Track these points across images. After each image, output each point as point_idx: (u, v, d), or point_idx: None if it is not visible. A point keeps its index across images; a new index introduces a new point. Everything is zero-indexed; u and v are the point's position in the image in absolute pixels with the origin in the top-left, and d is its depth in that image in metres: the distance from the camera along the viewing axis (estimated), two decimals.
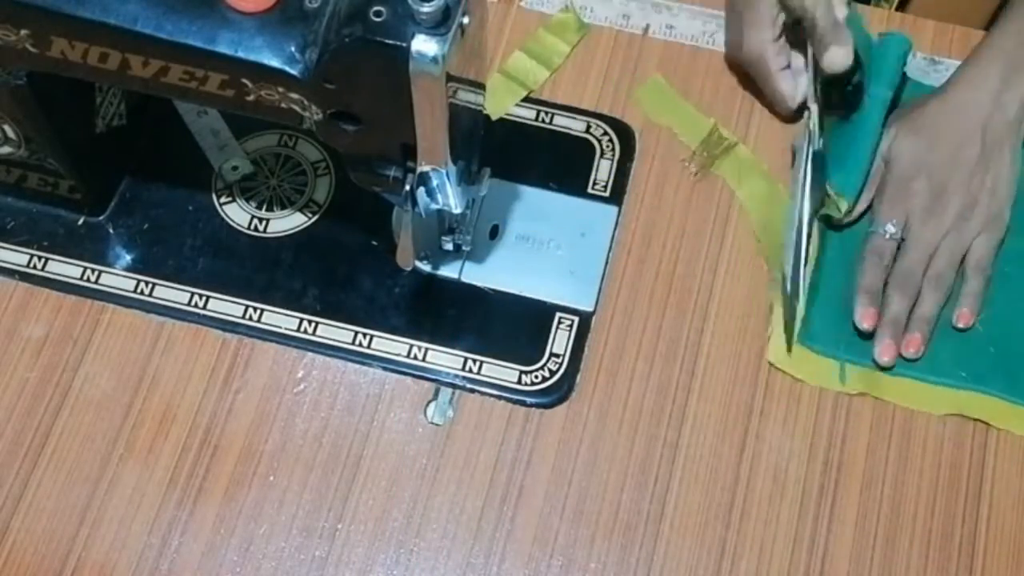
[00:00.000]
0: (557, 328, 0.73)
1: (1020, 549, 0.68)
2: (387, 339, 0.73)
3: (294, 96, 0.58)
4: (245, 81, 0.58)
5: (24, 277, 0.74)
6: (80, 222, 0.76)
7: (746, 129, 0.79)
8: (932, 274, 0.73)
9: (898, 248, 0.74)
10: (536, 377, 0.72)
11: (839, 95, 0.76)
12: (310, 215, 0.76)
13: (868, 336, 0.72)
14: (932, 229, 0.73)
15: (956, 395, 0.71)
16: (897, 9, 0.89)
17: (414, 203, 0.63)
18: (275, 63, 0.56)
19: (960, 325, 0.73)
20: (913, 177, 0.74)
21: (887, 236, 0.74)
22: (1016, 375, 0.72)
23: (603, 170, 0.78)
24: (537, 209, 0.76)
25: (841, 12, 0.72)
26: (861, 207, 0.76)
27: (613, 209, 0.77)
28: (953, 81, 0.76)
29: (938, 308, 0.73)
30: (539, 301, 0.74)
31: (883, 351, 0.72)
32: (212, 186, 0.77)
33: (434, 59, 0.52)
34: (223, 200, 0.76)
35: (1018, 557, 0.68)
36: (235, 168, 0.76)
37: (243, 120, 0.78)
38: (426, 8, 0.51)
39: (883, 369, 0.72)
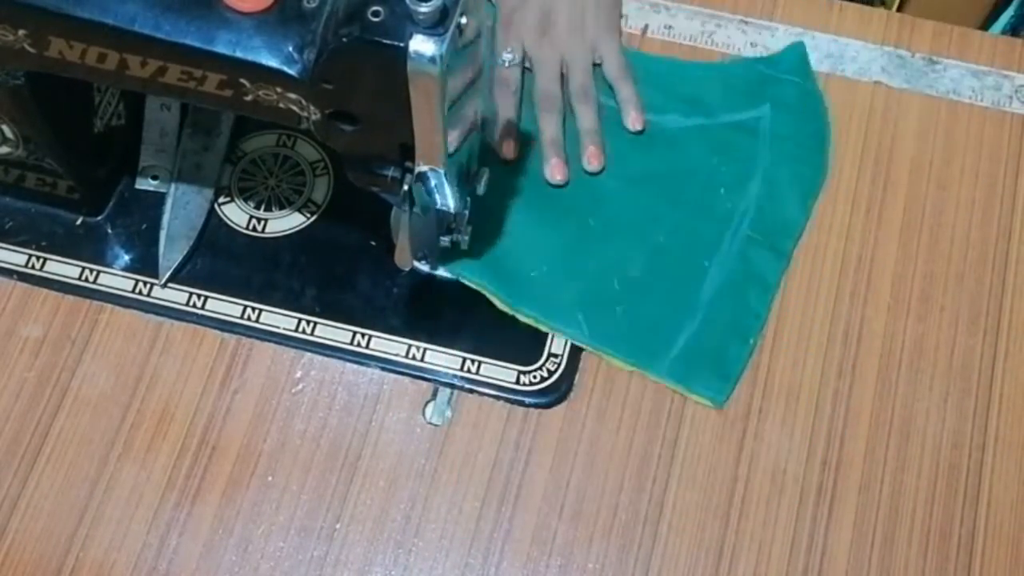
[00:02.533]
0: None
1: (1018, 549, 0.68)
2: (385, 339, 0.73)
3: (292, 96, 0.58)
4: (243, 81, 0.58)
5: (22, 277, 0.74)
6: (78, 222, 0.76)
7: None
8: (575, 88, 0.76)
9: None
10: (534, 377, 0.72)
11: None
12: (308, 215, 0.76)
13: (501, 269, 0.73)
14: (549, 46, 0.76)
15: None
16: (897, 9, 0.89)
17: (412, 203, 0.63)
18: (273, 63, 0.56)
19: (638, 127, 0.76)
20: (519, 7, 0.77)
21: (506, 64, 0.76)
22: (637, 342, 0.72)
23: None
24: None
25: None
26: None
27: None
28: None
29: (596, 116, 0.76)
30: None
31: (552, 171, 0.75)
32: (211, 186, 0.77)
33: (432, 59, 0.52)
34: (221, 200, 0.76)
35: (1016, 557, 0.68)
36: (155, 177, 0.76)
37: (242, 120, 0.78)
38: (424, 8, 0.51)
39: (521, 303, 0.72)
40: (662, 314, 0.72)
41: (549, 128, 0.76)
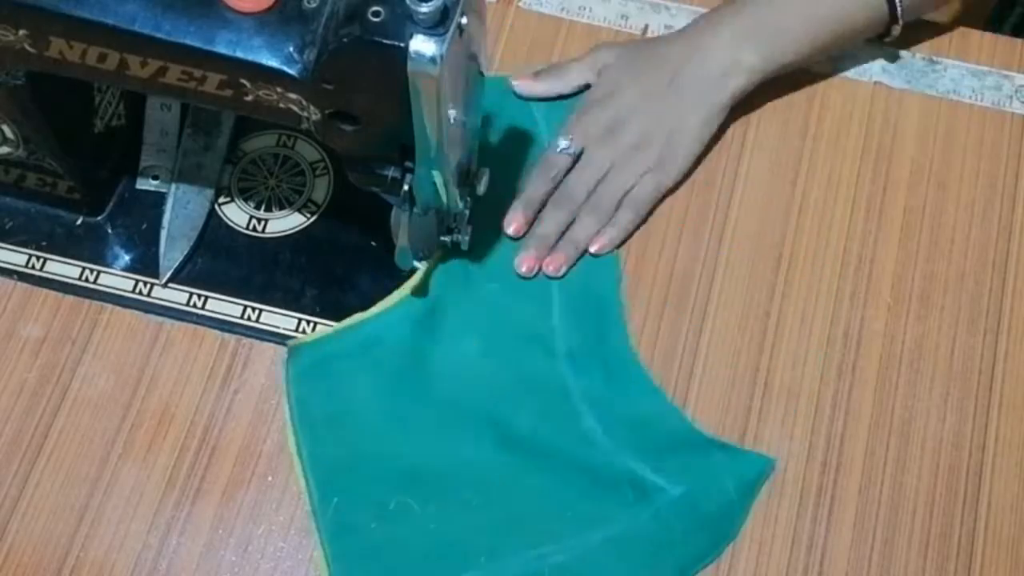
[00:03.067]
0: None
1: (1018, 550, 0.68)
2: None
3: (292, 96, 0.58)
4: (243, 81, 0.58)
5: (23, 277, 0.74)
6: (79, 222, 0.76)
7: (745, 128, 0.79)
8: (593, 200, 0.74)
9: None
10: None
11: None
12: (308, 215, 0.76)
13: None
14: (602, 155, 0.74)
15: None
16: None
17: (412, 203, 0.63)
18: (273, 63, 0.56)
19: (592, 249, 0.73)
20: (602, 102, 0.76)
21: (558, 150, 0.74)
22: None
23: None
24: None
25: None
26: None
27: None
28: (680, 30, 0.77)
29: (588, 236, 0.74)
30: None
31: (523, 262, 0.73)
32: (211, 185, 0.77)
33: (432, 59, 0.52)
34: (222, 200, 0.76)
35: (1016, 558, 0.68)
36: (155, 177, 0.76)
37: (242, 120, 0.77)
38: (424, 8, 0.51)
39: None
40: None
41: (549, 225, 0.74)
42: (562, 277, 0.73)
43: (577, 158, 0.75)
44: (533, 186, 0.74)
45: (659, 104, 0.74)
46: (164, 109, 0.77)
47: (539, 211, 0.74)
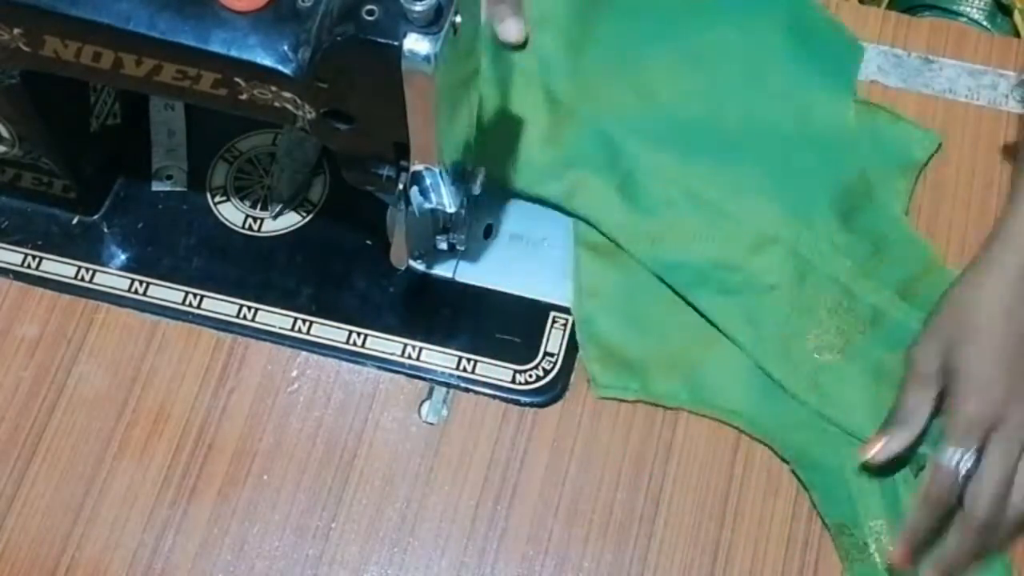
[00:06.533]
0: (551, 327, 0.73)
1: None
2: (381, 338, 0.73)
3: (287, 95, 0.58)
4: (238, 80, 0.58)
5: (18, 276, 0.74)
6: (74, 221, 0.76)
7: None
8: (1000, 516, 0.63)
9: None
10: (530, 376, 0.72)
11: None
12: (304, 214, 0.76)
13: None
14: (999, 456, 0.63)
15: None
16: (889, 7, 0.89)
17: (408, 202, 0.63)
18: (268, 62, 0.56)
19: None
20: (972, 397, 0.64)
21: (949, 464, 0.63)
22: None
23: None
24: (531, 208, 0.76)
25: None
26: None
27: None
28: (973, 272, 0.68)
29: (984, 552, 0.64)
30: (533, 300, 0.74)
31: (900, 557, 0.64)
32: (207, 185, 0.77)
33: (426, 58, 0.52)
34: (217, 199, 0.76)
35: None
36: (169, 177, 0.76)
37: (237, 119, 0.77)
38: (418, 7, 0.51)
39: None
40: None
41: (957, 554, 0.63)
42: None
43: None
44: (922, 514, 0.64)
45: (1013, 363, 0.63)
46: (168, 109, 0.77)
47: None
